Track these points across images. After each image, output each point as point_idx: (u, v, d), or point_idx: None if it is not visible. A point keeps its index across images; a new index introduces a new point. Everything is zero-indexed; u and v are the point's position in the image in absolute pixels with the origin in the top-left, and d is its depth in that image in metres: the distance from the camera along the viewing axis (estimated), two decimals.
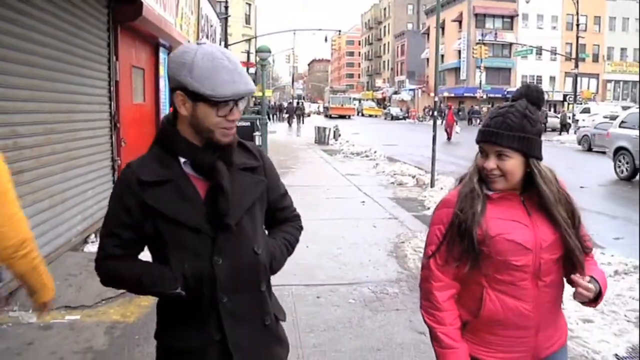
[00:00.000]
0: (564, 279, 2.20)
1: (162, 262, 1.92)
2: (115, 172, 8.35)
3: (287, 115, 50.85)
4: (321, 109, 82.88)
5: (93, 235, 7.28)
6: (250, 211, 2.00)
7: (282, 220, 2.23)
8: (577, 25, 39.08)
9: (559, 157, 23.25)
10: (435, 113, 12.64)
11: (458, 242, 2.11)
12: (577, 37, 38.22)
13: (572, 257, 2.11)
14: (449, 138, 30.20)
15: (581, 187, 14.12)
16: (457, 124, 31.48)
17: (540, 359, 2.21)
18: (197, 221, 1.88)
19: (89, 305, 5.19)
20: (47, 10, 5.89)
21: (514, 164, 2.06)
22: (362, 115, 74.05)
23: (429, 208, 10.37)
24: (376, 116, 73.83)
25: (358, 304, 5.41)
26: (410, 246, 7.51)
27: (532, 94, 2.10)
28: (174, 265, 1.88)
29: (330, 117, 61.14)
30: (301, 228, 2.30)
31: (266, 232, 2.17)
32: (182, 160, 1.91)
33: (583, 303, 2.13)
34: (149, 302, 5.06)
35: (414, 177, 14.39)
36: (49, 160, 5.98)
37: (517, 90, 2.17)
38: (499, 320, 2.13)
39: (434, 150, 12.51)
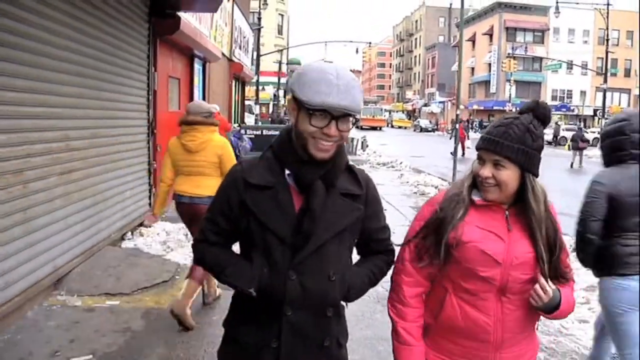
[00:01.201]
0: None
1: (247, 259, 2.03)
2: (151, 175, 8.94)
3: None
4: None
5: (129, 233, 7.87)
6: (339, 236, 2.03)
7: (375, 252, 2.24)
8: (607, 40, 39.03)
9: (577, 173, 23.38)
10: (457, 126, 13.07)
11: (430, 238, 2.12)
12: (607, 52, 38.12)
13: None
14: (462, 153, 27.55)
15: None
16: (468, 139, 29.56)
17: None
18: (284, 232, 1.95)
19: (126, 293, 5.74)
20: (96, 26, 6.49)
21: (509, 175, 2.04)
22: (392, 126, 74.00)
23: None
24: (405, 128, 73.83)
25: (371, 300, 5.85)
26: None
27: (539, 110, 2.09)
28: (255, 267, 1.99)
29: (362, 128, 58.97)
30: (392, 262, 2.27)
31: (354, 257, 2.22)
32: (286, 171, 1.99)
33: (536, 308, 2.07)
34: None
35: (436, 187, 14.80)
36: (94, 162, 6.57)
37: (525, 104, 2.15)
38: (457, 328, 2.13)
39: (454, 162, 12.93)
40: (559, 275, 2.11)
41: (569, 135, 41.40)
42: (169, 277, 6.15)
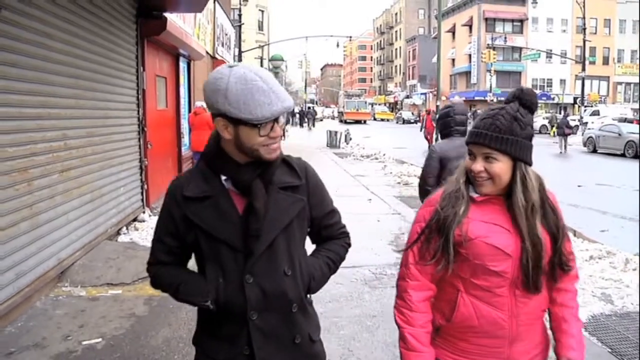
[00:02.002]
0: (548, 294, 2.16)
1: (203, 274, 2.01)
2: (143, 171, 9.23)
3: (299, 120, 52.14)
4: (335, 114, 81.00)
5: (125, 228, 8.16)
6: (287, 231, 2.01)
7: (328, 238, 2.23)
8: (584, 29, 39.73)
9: (559, 157, 23.94)
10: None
11: (435, 239, 2.07)
12: (584, 41, 38.81)
13: (534, 277, 2.03)
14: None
15: (579, 185, 14.88)
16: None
17: None
18: (231, 238, 1.94)
19: (128, 283, 6.05)
20: (87, 28, 6.75)
21: (501, 167, 2.00)
22: (375, 119, 74.25)
23: None
24: (388, 120, 74.15)
25: (359, 283, 6.23)
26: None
27: (525, 97, 2.05)
28: (209, 279, 1.97)
29: (346, 122, 58.21)
30: (348, 245, 2.28)
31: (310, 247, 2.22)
32: (223, 177, 1.97)
33: None
34: None
35: (418, 177, 15.19)
36: (90, 159, 6.85)
37: (511, 93, 2.11)
38: (471, 327, 2.08)
39: None
40: (561, 264, 2.08)
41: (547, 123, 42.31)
42: None
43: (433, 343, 2.17)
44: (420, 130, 30.08)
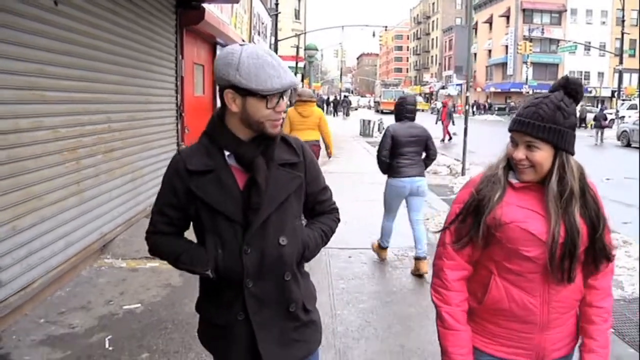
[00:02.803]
0: (582, 285, 2.16)
1: (202, 244, 2.10)
2: None
3: (333, 109, 52.45)
4: (371, 103, 79.79)
5: None
6: (283, 205, 2.10)
7: (321, 212, 2.35)
8: (623, 20, 39.09)
9: (592, 151, 23.83)
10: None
11: (469, 221, 2.11)
12: (622, 33, 38.28)
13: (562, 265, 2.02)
14: (449, 138, 26.67)
15: (607, 178, 14.91)
16: (453, 124, 27.44)
17: None
18: (232, 211, 2.02)
19: None
20: (130, 19, 7.20)
21: (542, 155, 1.99)
22: None
23: (456, 192, 11.45)
24: (423, 110, 73.79)
25: (382, 263, 6.58)
26: (433, 222, 8.67)
27: (570, 87, 2.04)
28: (209, 249, 2.05)
29: (382, 112, 55.58)
30: (338, 220, 2.41)
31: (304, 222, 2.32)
32: (226, 152, 2.05)
33: None
34: None
35: (448, 166, 15.46)
36: (131, 142, 7.31)
37: (556, 82, 2.10)
38: (502, 310, 2.10)
39: (465, 142, 13.55)
40: (604, 254, 2.07)
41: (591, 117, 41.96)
42: None
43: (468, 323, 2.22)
44: (436, 123, 30.03)
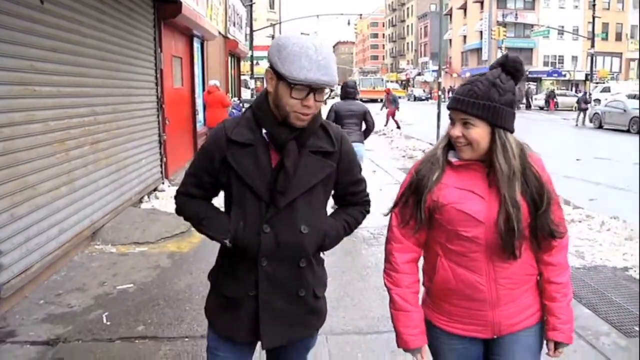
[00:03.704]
0: (534, 260, 2.17)
1: (228, 212, 2.17)
2: (162, 145, 10.00)
3: None
4: None
5: (146, 196, 8.94)
6: (310, 192, 2.13)
7: (352, 203, 2.37)
8: (594, 4, 39.75)
9: (564, 133, 24.44)
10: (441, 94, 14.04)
11: (411, 203, 2.14)
12: (594, 17, 39.01)
13: (508, 242, 2.02)
14: (390, 126, 24.60)
15: (577, 159, 15.46)
16: (398, 109, 26.00)
17: (503, 336, 2.19)
18: (260, 188, 2.07)
19: (152, 242, 6.82)
20: (111, 15, 7.47)
21: (478, 132, 2.00)
22: None
23: None
24: (400, 97, 73.87)
25: (358, 241, 6.97)
26: None
27: (509, 64, 2.04)
28: (233, 219, 2.12)
29: (361, 100, 54.33)
30: (367, 212, 2.44)
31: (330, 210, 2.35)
32: (264, 130, 2.10)
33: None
34: (198, 240, 6.68)
35: (423, 151, 15.88)
36: (115, 133, 7.60)
37: (496, 60, 2.11)
38: (451, 290, 2.14)
39: (438, 127, 13.99)
40: (549, 230, 2.06)
41: (563, 100, 43.82)
42: (186, 228, 7.14)
43: (424, 304, 2.28)
44: (381, 109, 29.60)
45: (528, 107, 46.63)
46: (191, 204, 2.24)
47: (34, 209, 5.24)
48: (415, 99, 67.05)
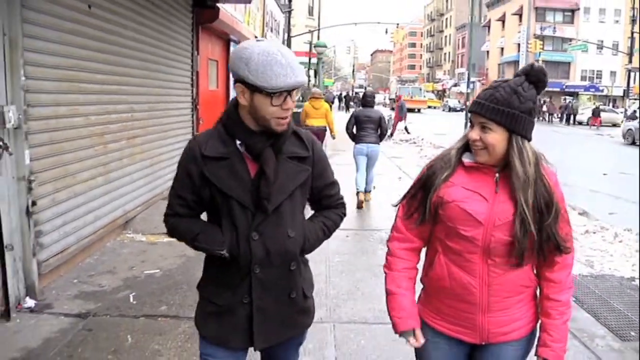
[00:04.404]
0: (533, 273, 2.20)
1: (217, 225, 2.18)
2: None
3: (345, 105, 53.12)
4: (386, 100, 76.01)
5: None
6: (291, 197, 2.18)
7: (327, 207, 2.40)
8: (633, 20, 39.38)
9: (596, 148, 24.32)
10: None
11: (418, 196, 2.20)
12: (632, 32, 38.56)
13: (521, 244, 2.05)
14: (390, 133, 23.17)
15: (604, 174, 15.53)
16: (404, 120, 25.82)
17: (490, 345, 2.21)
18: (243, 198, 2.10)
19: None
20: (151, 18, 7.94)
21: (495, 137, 2.02)
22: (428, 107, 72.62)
23: None
24: (435, 107, 73.53)
25: (375, 242, 7.29)
26: None
27: (533, 73, 2.06)
28: (225, 231, 2.14)
29: None
30: (344, 215, 2.47)
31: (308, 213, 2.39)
32: (237, 141, 2.12)
33: None
34: None
35: None
36: (151, 130, 8.06)
37: (522, 68, 2.12)
38: (444, 288, 2.18)
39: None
40: (557, 244, 2.08)
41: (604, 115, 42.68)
42: None
43: (419, 300, 2.35)
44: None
45: (572, 122, 45.40)
46: (181, 223, 2.26)
47: (73, 195, 5.69)
48: (450, 109, 66.73)
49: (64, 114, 5.47)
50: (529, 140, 2.06)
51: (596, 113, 41.21)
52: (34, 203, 4.87)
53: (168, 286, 5.40)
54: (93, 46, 6.02)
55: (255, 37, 13.99)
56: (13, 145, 4.54)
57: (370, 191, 9.91)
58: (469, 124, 2.15)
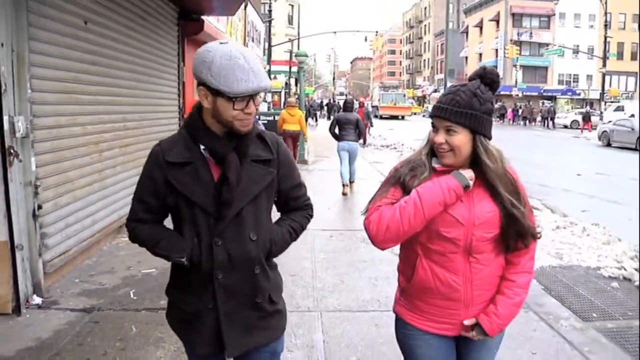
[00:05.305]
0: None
1: (180, 233, 2.18)
2: None
3: (327, 112, 53.44)
4: (369, 108, 75.88)
5: None
6: (255, 200, 2.16)
7: (294, 208, 2.40)
8: (605, 24, 40.46)
9: (573, 150, 24.93)
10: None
11: (392, 190, 2.23)
12: (605, 37, 39.66)
13: (507, 236, 2.16)
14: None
15: (578, 174, 16.06)
16: (371, 125, 25.41)
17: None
18: (206, 204, 2.08)
19: None
20: (140, 31, 8.30)
21: (461, 139, 2.09)
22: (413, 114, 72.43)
23: None
24: (415, 114, 73.89)
25: (358, 241, 7.69)
26: None
27: (486, 76, 2.14)
28: (186, 238, 2.14)
29: (381, 117, 50.21)
30: (310, 216, 2.45)
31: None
32: (201, 146, 2.10)
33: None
34: None
35: None
36: (141, 139, 8.39)
37: (474, 72, 2.19)
38: (428, 289, 2.22)
39: None
40: (530, 232, 2.20)
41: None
42: None
43: (398, 303, 2.41)
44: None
45: (551, 126, 45.69)
46: (143, 228, 2.25)
47: (73, 200, 6.04)
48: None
49: (64, 124, 5.82)
50: (490, 138, 2.17)
51: (587, 117, 41.25)
52: (39, 207, 5.22)
53: (165, 283, 5.67)
54: (89, 59, 6.38)
55: (220, 41, 14.35)
56: (21, 153, 4.90)
57: (353, 182, 11.83)
58: (431, 129, 2.22)
